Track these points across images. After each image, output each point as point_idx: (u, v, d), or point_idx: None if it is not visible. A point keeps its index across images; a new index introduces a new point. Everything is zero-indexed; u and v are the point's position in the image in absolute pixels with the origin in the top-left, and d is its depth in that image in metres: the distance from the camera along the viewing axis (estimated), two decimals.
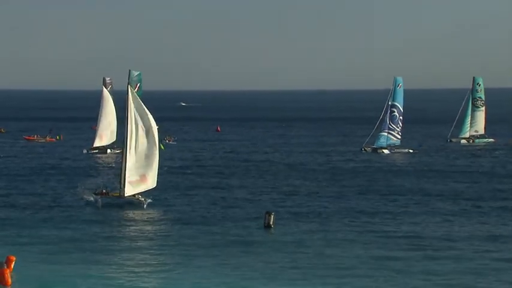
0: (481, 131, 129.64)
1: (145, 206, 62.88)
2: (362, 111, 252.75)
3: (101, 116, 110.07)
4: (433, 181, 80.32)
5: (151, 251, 48.55)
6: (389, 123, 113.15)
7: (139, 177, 63.90)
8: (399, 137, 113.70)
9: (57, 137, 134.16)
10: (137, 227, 56.26)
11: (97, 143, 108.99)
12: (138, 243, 50.84)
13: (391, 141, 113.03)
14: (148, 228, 56.25)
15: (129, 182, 63.76)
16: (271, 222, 55.64)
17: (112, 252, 47.79)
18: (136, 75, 68.58)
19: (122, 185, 64.46)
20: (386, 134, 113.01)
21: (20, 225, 55.89)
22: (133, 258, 46.57)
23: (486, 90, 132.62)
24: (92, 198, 64.79)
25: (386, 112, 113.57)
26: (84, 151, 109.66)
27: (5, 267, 40.97)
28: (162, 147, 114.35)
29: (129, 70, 69.00)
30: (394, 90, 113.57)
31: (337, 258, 46.39)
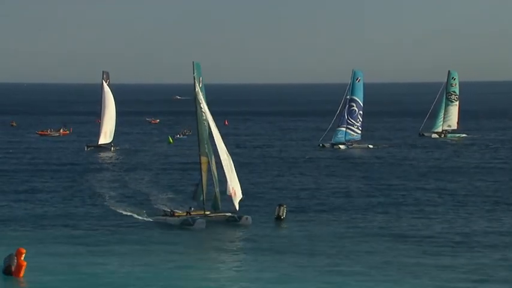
0: (454, 126, 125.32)
1: (250, 221, 51.75)
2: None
3: (104, 112, 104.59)
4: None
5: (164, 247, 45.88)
6: (348, 118, 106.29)
7: (231, 187, 52.40)
8: (359, 132, 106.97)
9: (69, 130, 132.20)
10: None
11: (102, 140, 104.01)
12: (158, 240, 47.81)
13: (350, 137, 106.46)
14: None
15: (228, 195, 52.34)
16: (282, 214, 52.61)
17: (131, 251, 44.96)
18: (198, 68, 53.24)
19: (206, 200, 53.23)
20: (344, 129, 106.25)
21: (39, 220, 53.81)
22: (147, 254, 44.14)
23: (461, 84, 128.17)
24: (172, 221, 51.55)
25: (344, 106, 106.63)
26: (85, 148, 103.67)
27: (16, 260, 38.99)
28: (171, 141, 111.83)
29: (193, 62, 53.02)
30: (353, 84, 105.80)
31: (348, 252, 44.10)
